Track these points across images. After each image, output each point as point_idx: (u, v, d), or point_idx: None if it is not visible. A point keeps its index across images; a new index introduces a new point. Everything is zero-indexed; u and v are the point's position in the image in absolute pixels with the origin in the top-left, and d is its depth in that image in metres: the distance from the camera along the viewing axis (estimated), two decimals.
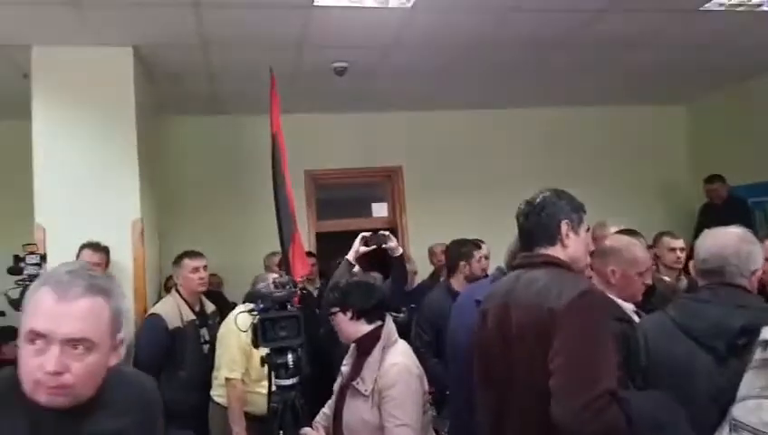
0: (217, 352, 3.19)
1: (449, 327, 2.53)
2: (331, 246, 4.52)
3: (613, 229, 4.02)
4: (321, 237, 5.61)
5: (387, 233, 3.06)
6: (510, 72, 4.82)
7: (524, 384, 1.65)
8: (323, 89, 4.88)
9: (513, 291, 1.76)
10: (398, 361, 2.09)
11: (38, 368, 1.08)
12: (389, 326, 2.21)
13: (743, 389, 1.45)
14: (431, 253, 5.12)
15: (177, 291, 3.42)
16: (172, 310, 3.30)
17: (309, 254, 5.09)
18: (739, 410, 1.41)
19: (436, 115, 5.82)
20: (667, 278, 3.53)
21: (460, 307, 2.43)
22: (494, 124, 5.96)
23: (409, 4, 3.43)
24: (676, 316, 1.86)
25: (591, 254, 2.46)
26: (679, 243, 3.67)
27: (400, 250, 3.09)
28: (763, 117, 5.37)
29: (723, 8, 3.72)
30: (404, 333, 3.51)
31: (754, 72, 5.23)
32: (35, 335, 1.10)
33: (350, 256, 2.97)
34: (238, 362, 3.06)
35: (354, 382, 2.10)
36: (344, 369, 2.28)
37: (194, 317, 3.38)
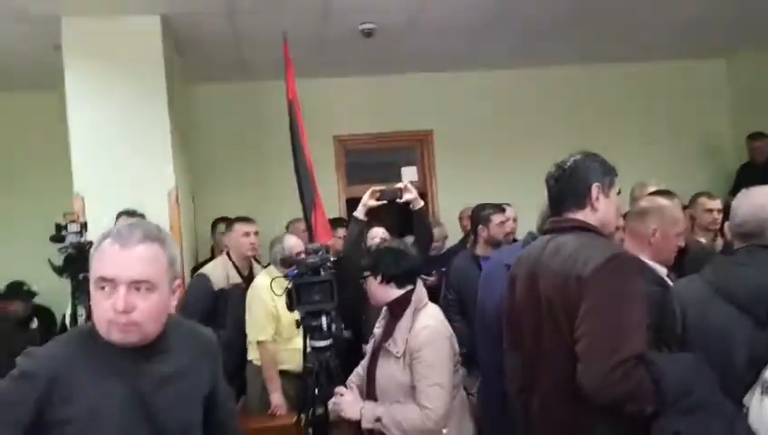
0: (247, 318, 3.28)
1: (480, 291, 2.55)
2: None
3: (651, 189, 3.95)
4: (351, 203, 5.65)
5: (403, 185, 2.96)
6: (546, 28, 4.65)
7: (552, 349, 1.67)
8: (351, 52, 4.82)
9: (541, 257, 1.76)
10: (428, 323, 2.13)
11: (109, 308, 1.23)
12: (420, 290, 2.25)
13: None
14: (460, 217, 5.12)
15: (228, 254, 3.53)
16: (220, 272, 3.42)
17: (339, 220, 5.14)
18: None
19: (467, 76, 5.69)
20: (702, 240, 3.47)
21: (491, 272, 2.45)
22: (527, 83, 5.79)
23: None
24: (713, 280, 1.84)
25: (624, 215, 2.44)
26: (716, 204, 3.59)
27: (421, 203, 3.00)
28: None
29: None
30: (433, 295, 3.59)
31: None
32: (104, 281, 1.25)
33: (359, 212, 2.92)
34: (266, 325, 3.17)
35: (386, 344, 2.16)
36: (377, 331, 2.33)
37: (240, 280, 3.48)
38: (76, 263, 2.94)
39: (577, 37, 4.97)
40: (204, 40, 4.35)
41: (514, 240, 4.03)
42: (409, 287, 2.22)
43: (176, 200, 3.92)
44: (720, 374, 1.58)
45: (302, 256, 2.06)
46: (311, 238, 3.63)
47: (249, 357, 3.28)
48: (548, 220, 1.89)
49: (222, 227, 4.19)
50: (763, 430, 1.40)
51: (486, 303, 2.34)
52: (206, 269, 3.46)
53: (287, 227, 4.43)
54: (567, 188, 1.79)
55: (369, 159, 6.16)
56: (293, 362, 3.07)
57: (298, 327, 2.03)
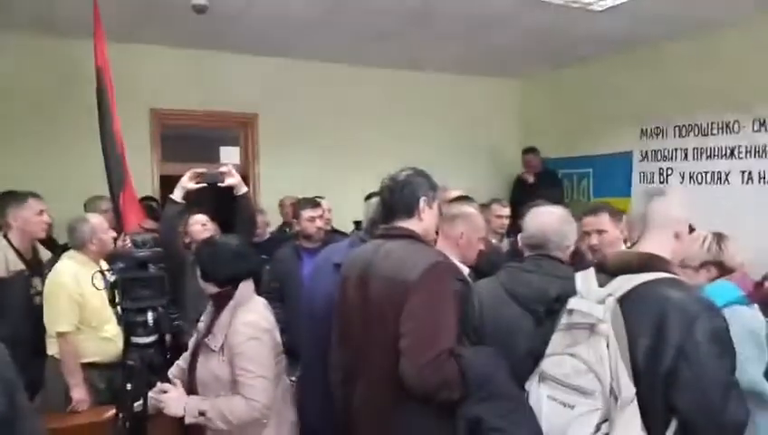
0: (45, 309, 2.97)
1: (307, 285, 2.65)
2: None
3: (453, 193, 4.42)
4: (165, 180, 5.31)
5: (226, 169, 2.86)
6: (372, 33, 4.91)
7: (379, 345, 1.85)
8: (179, 24, 4.53)
9: (372, 261, 1.94)
10: (249, 319, 2.16)
11: None
12: (244, 285, 2.25)
13: (551, 347, 1.77)
14: (280, 205, 5.18)
15: (6, 237, 3.10)
16: None
17: (149, 199, 4.83)
18: (546, 364, 1.73)
19: (298, 65, 5.70)
20: (493, 240, 4.00)
21: (318, 269, 2.57)
22: (354, 80, 5.99)
23: None
24: (505, 282, 2.17)
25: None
26: (506, 211, 4.19)
27: (245, 188, 2.93)
28: (578, 100, 6.11)
29: (561, 2, 4.17)
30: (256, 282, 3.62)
31: (576, 60, 5.91)
32: None
33: (176, 194, 2.78)
34: (69, 314, 2.92)
35: (206, 339, 2.17)
36: (200, 325, 2.31)
37: (23, 267, 3.11)
38: None
39: (399, 45, 5.28)
40: None
41: (334, 230, 4.25)
42: (230, 285, 2.22)
43: None
44: (508, 363, 1.90)
45: (128, 245, 1.95)
46: (117, 221, 3.38)
47: (49, 352, 2.97)
48: (380, 227, 2.07)
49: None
50: (538, 410, 1.73)
51: (314, 298, 2.45)
52: None
53: (85, 207, 4.03)
54: (399, 200, 2.00)
55: (188, 136, 5.86)
56: (104, 352, 2.92)
57: (119, 323, 1.93)
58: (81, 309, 2.94)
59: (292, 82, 5.74)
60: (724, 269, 2.29)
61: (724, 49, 4.70)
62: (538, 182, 6.01)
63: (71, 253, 3.07)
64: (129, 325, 1.94)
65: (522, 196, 5.73)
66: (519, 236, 2.44)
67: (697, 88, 4.92)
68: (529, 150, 6.23)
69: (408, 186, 1.99)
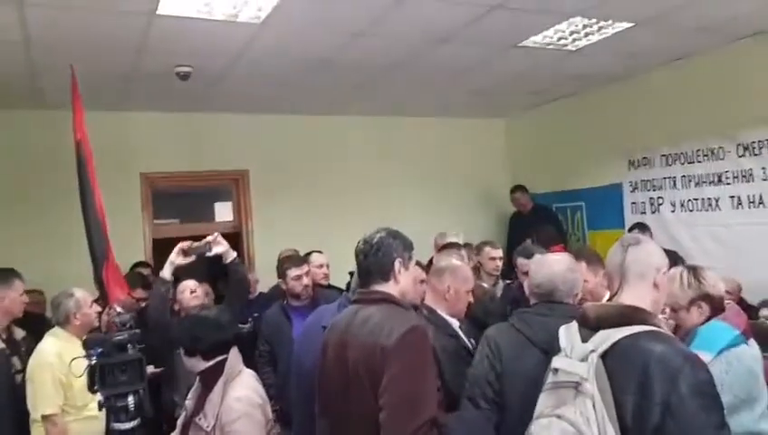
0: (29, 391, 2.89)
1: (296, 350, 2.61)
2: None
3: (451, 239, 4.39)
4: (158, 244, 5.29)
5: (212, 237, 2.86)
6: (356, 85, 5.00)
7: (358, 416, 1.80)
8: (165, 90, 4.63)
9: (350, 327, 1.91)
10: (240, 395, 2.12)
11: None
12: (234, 358, 2.22)
13: (538, 408, 1.71)
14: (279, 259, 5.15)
15: None
16: None
17: (142, 264, 4.81)
18: (535, 428, 1.67)
19: (284, 119, 5.78)
20: (485, 284, 3.95)
21: (307, 333, 2.53)
22: (343, 130, 6.06)
23: (260, 21, 3.41)
24: (521, 328, 2.15)
25: (428, 272, 2.73)
26: (499, 253, 4.13)
27: (233, 254, 2.92)
28: (565, 135, 6.14)
29: (536, 45, 4.25)
30: (252, 341, 3.54)
31: (560, 96, 5.99)
32: None
33: (166, 272, 2.78)
34: (54, 395, 2.86)
35: (197, 419, 2.11)
36: (188, 403, 2.26)
37: (3, 346, 3.07)
38: None
39: (384, 94, 5.36)
40: None
41: (329, 286, 4.15)
42: (219, 358, 2.18)
43: None
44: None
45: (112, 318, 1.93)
46: (102, 296, 3.34)
47: None
48: (357, 291, 2.04)
49: None
50: None
51: (303, 363, 2.41)
52: None
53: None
54: (374, 263, 1.97)
55: (181, 195, 5.91)
56: (89, 432, 2.84)
57: (100, 409, 1.89)
58: (65, 389, 2.88)
59: (278, 136, 5.80)
60: (713, 302, 2.22)
61: (703, 78, 4.74)
62: (533, 218, 5.98)
63: (54, 330, 3.04)
64: (110, 411, 1.90)
65: (518, 233, 5.70)
66: (525, 285, 2.42)
67: (680, 117, 4.95)
68: (516, 189, 6.20)
69: (382, 248, 1.96)
